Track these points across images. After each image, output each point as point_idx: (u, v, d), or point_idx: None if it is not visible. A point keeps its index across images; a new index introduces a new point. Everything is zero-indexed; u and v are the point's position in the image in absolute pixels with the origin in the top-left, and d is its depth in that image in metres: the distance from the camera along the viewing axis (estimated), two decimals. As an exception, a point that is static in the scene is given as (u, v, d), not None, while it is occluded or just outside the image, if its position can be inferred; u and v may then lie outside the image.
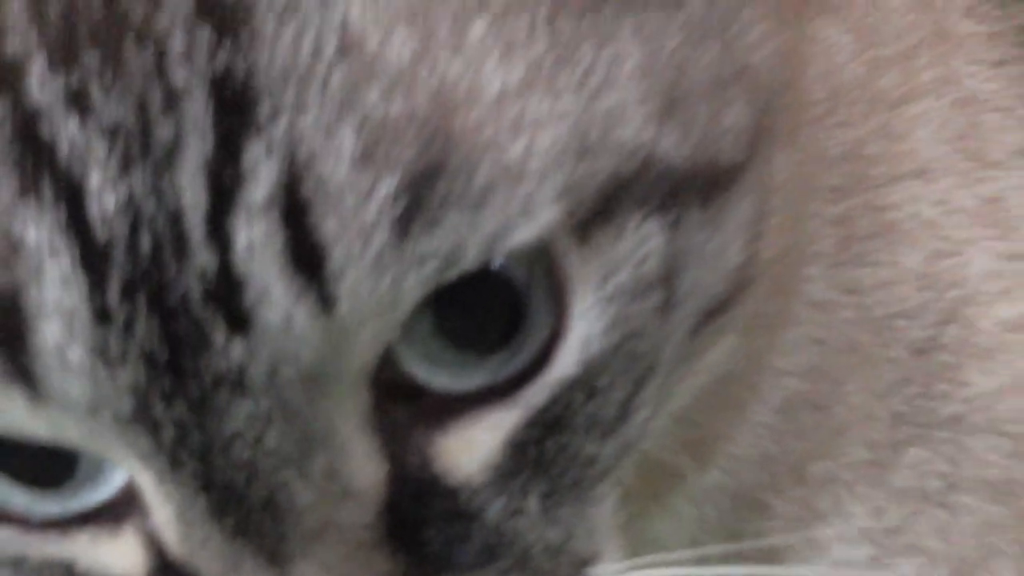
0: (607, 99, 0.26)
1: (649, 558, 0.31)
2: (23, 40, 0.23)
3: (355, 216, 0.23)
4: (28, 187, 0.23)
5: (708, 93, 0.28)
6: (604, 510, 0.29)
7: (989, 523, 0.39)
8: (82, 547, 0.28)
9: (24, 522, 0.28)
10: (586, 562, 0.29)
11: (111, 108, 0.23)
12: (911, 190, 0.40)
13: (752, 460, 0.38)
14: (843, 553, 0.38)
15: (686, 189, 0.27)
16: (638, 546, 0.37)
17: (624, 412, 0.28)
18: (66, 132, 0.23)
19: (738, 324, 0.32)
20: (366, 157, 0.23)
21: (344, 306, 0.23)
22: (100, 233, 0.23)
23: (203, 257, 0.23)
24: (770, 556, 0.38)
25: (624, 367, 0.27)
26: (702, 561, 0.31)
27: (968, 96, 0.42)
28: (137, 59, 0.23)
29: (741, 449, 0.38)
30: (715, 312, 0.29)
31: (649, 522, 0.37)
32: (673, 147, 0.27)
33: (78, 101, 0.23)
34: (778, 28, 0.35)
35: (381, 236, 0.23)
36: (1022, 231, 0.40)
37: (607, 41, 0.27)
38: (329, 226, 0.23)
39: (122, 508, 0.28)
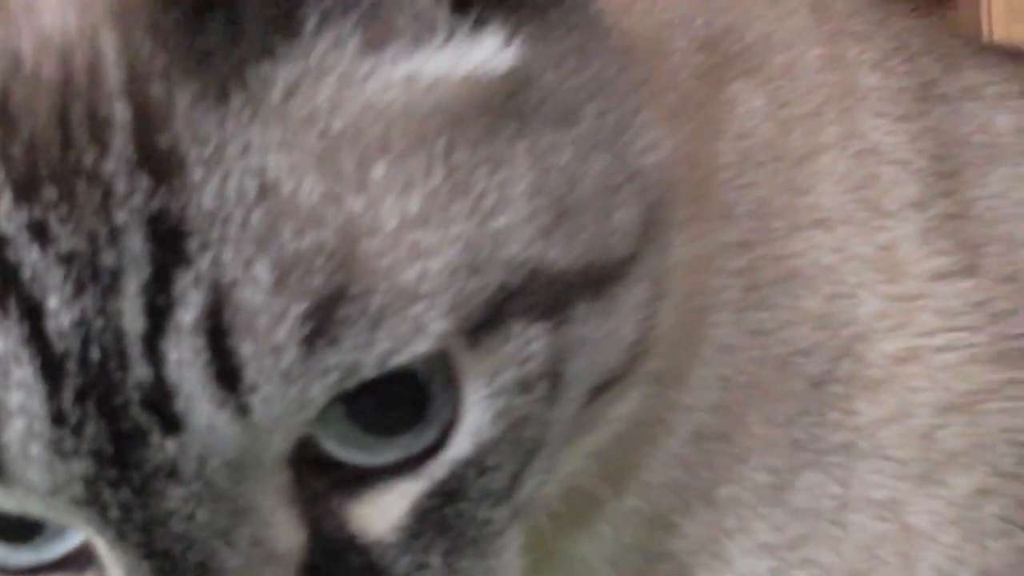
0: (498, 221, 0.28)
1: None
2: None
3: (268, 337, 0.26)
4: None
5: (597, 200, 0.30)
6: (505, 560, 0.32)
7: (876, 538, 0.41)
8: None
9: (3, 570, 0.31)
10: None
11: (66, 238, 0.26)
12: (812, 239, 0.42)
13: (664, 486, 0.40)
14: (747, 566, 0.41)
15: (573, 289, 0.29)
16: (564, 565, 0.41)
17: (514, 484, 0.31)
18: (28, 258, 0.26)
19: (639, 385, 0.34)
20: (279, 285, 0.26)
21: (258, 412, 0.26)
22: (57, 346, 0.26)
23: (141, 370, 0.26)
24: (682, 571, 0.41)
25: (512, 448, 0.30)
26: None
27: (870, 148, 0.44)
28: (87, 197, 0.26)
29: (654, 477, 0.40)
30: (608, 385, 0.32)
31: (575, 544, 0.40)
32: (560, 255, 0.29)
33: (39, 231, 0.26)
34: (675, 127, 0.37)
35: (290, 354, 0.26)
36: (908, 276, 0.42)
37: (500, 166, 0.29)
38: (246, 347, 0.26)
39: (84, 560, 0.30)
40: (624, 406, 0.34)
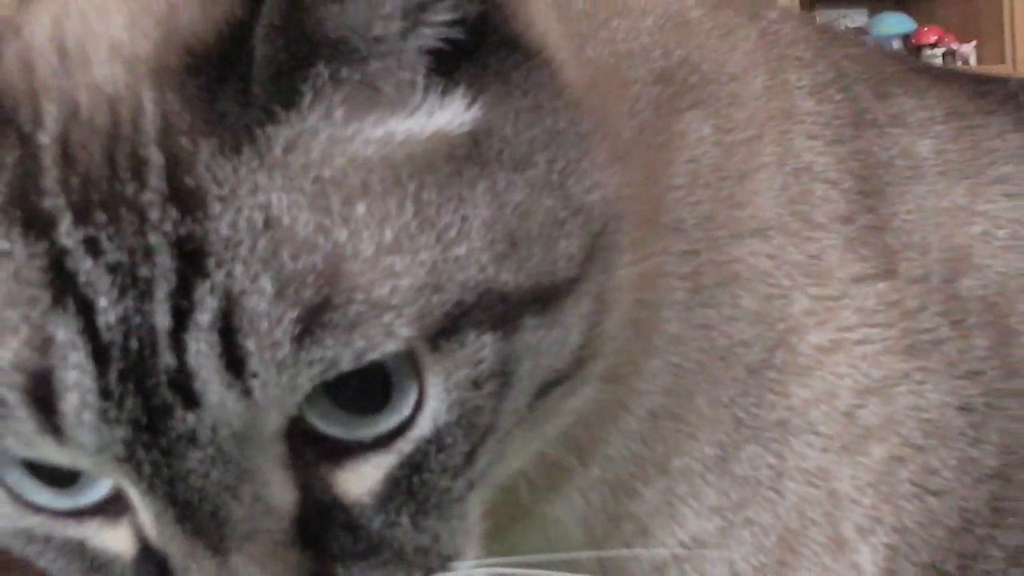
0: (459, 249, 0.34)
1: (503, 559, 0.38)
2: (55, 202, 0.33)
3: (268, 336, 0.32)
4: (58, 302, 0.33)
5: (545, 232, 0.36)
6: (466, 523, 0.38)
7: (807, 501, 0.46)
8: (91, 532, 0.37)
9: (50, 512, 0.37)
10: (450, 558, 0.37)
11: (112, 253, 0.32)
12: (751, 247, 0.47)
13: (625, 458, 0.46)
14: (698, 526, 0.46)
15: (522, 306, 0.35)
16: (542, 525, 0.47)
17: (468, 460, 0.36)
18: (83, 267, 0.33)
19: (588, 381, 0.40)
20: (278, 296, 0.32)
21: (258, 393, 0.33)
22: (105, 337, 0.33)
23: (167, 358, 0.32)
24: (643, 532, 0.46)
25: (465, 432, 0.35)
26: (551, 563, 0.39)
27: (804, 167, 0.48)
28: (129, 222, 0.33)
29: (616, 450, 0.46)
30: (557, 382, 0.37)
31: (550, 507, 0.46)
32: (511, 277, 0.35)
33: (92, 246, 0.33)
34: (632, 156, 0.42)
35: (284, 349, 0.32)
36: (833, 279, 0.47)
37: (462, 203, 0.35)
38: (250, 343, 0.32)
39: (117, 508, 0.37)
40: (575, 400, 0.40)
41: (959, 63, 3.11)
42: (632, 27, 0.49)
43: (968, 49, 3.12)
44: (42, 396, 0.33)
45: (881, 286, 0.47)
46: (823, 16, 3.36)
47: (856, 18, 3.31)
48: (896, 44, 3.15)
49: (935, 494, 0.46)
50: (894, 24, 3.21)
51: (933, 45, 3.14)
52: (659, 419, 0.46)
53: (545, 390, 0.38)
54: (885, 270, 0.48)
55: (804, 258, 0.47)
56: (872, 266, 0.48)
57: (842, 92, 0.51)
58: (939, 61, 3.08)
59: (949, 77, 0.58)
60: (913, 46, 3.16)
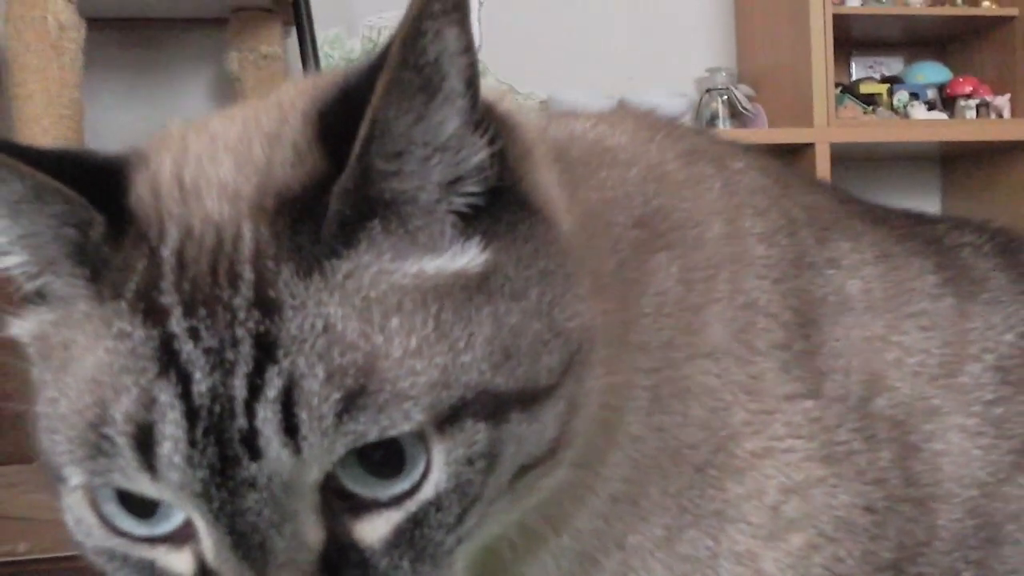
0: (465, 357, 0.43)
1: None
2: (170, 299, 0.43)
3: (317, 410, 0.41)
4: (163, 373, 0.42)
5: (533, 349, 0.45)
6: (451, 570, 0.45)
7: None
8: (160, 554, 0.45)
9: (131, 537, 0.45)
10: None
11: (208, 340, 0.42)
12: (702, 367, 0.55)
13: (590, 532, 0.54)
14: None
15: (510, 404, 0.44)
16: None
17: (459, 520, 0.44)
18: (186, 348, 0.42)
19: (561, 465, 0.48)
20: (327, 381, 0.42)
21: (306, 453, 0.42)
22: (196, 402, 0.42)
23: (241, 421, 0.42)
24: None
25: (459, 497, 0.43)
26: None
27: (750, 302, 0.57)
28: (223, 318, 0.42)
29: (582, 524, 0.53)
30: (534, 465, 0.46)
31: (528, 568, 0.54)
32: (503, 382, 0.44)
33: (194, 334, 0.42)
34: (610, 286, 0.51)
35: (327, 421, 0.41)
36: (768, 396, 0.55)
37: (470, 322, 0.44)
38: (304, 414, 0.41)
39: (185, 536, 0.44)
40: (549, 480, 0.48)
41: (993, 115, 3.09)
42: (619, 177, 0.59)
43: (1003, 102, 3.07)
44: (144, 442, 0.41)
45: (808, 404, 0.56)
46: (859, 64, 3.36)
47: (892, 66, 3.28)
48: (931, 94, 3.10)
49: None
50: (930, 74, 3.16)
51: (968, 96, 3.08)
52: (618, 502, 0.54)
53: (524, 470, 0.46)
54: (812, 390, 0.56)
55: (745, 378, 0.56)
56: (802, 386, 0.56)
57: (788, 238, 0.60)
58: (973, 113, 3.06)
59: (884, 220, 0.66)
60: (948, 96, 3.11)
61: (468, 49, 0.44)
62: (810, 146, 2.80)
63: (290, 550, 0.42)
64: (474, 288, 0.45)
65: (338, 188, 0.44)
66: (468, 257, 0.46)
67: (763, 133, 2.90)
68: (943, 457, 0.57)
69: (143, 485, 0.43)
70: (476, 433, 0.43)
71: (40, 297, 0.48)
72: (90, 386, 0.43)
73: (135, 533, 0.45)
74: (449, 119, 0.45)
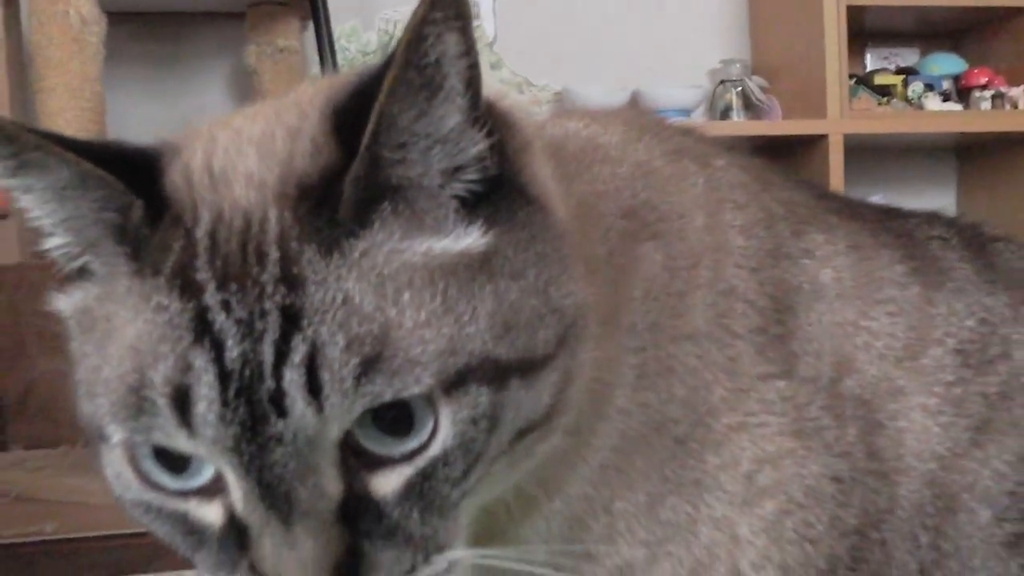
0: (469, 328, 0.47)
1: (481, 551, 0.51)
2: (204, 275, 0.47)
3: (338, 374, 0.45)
4: (198, 340, 0.46)
5: (530, 323, 0.49)
6: (457, 524, 0.49)
7: (714, 542, 0.58)
8: (193, 506, 0.49)
9: (164, 490, 0.49)
10: (442, 548, 0.49)
11: (239, 311, 0.46)
12: (685, 348, 0.59)
13: (580, 497, 0.58)
14: (631, 555, 0.58)
15: (510, 371, 0.48)
16: (513, 543, 0.57)
17: (464, 475, 0.48)
18: (219, 319, 0.46)
19: (556, 431, 0.52)
20: (347, 348, 0.46)
21: (327, 412, 0.45)
22: (228, 366, 0.46)
23: (269, 383, 0.46)
24: (589, 557, 0.58)
25: (463, 455, 0.47)
26: (522, 557, 0.51)
27: (730, 289, 0.61)
28: (252, 292, 0.47)
29: (573, 490, 0.58)
30: (530, 429, 0.50)
31: (522, 529, 0.58)
32: (504, 352, 0.48)
33: (226, 306, 0.46)
34: (601, 272, 0.55)
35: (347, 383, 0.45)
36: (745, 375, 0.60)
37: (474, 298, 0.48)
38: (325, 376, 0.45)
39: (215, 490, 0.48)
40: (544, 445, 0.52)
41: (1007, 107, 3.07)
42: (610, 173, 0.63)
43: (1017, 93, 3.05)
44: (181, 402, 0.45)
45: (781, 383, 0.60)
46: (873, 56, 3.36)
47: (907, 57, 3.28)
48: (946, 85, 3.10)
49: (811, 542, 0.59)
50: (945, 65, 3.15)
51: (983, 87, 3.07)
52: (606, 470, 0.58)
53: (523, 434, 0.50)
54: (786, 370, 0.61)
55: (724, 359, 0.60)
56: (776, 367, 0.61)
57: (766, 230, 0.64)
58: (988, 104, 3.05)
59: (859, 215, 0.70)
60: (963, 88, 3.11)
61: (468, 53, 0.48)
62: (824, 137, 2.82)
63: (312, 500, 0.46)
64: (477, 267, 0.49)
65: (351, 175, 0.48)
66: (471, 239, 0.50)
67: (777, 124, 2.92)
68: (905, 434, 0.61)
69: (180, 441, 0.46)
70: (479, 396, 0.47)
71: (82, 275, 0.52)
72: (131, 353, 0.47)
73: (170, 487, 0.49)
74: (450, 114, 0.49)
